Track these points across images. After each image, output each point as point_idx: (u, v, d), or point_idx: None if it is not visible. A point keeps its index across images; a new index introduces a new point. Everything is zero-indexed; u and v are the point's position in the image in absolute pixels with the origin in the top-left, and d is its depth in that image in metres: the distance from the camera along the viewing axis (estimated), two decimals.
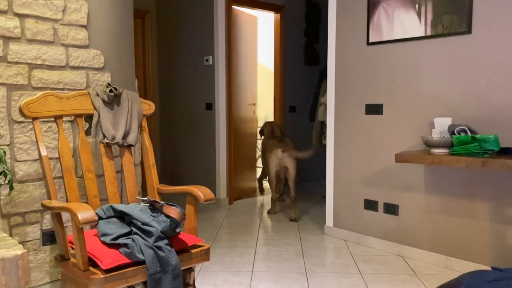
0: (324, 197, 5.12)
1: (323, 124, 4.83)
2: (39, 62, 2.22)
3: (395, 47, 3.13)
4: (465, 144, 2.48)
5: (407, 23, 3.03)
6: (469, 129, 2.65)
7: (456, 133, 2.64)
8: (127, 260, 1.73)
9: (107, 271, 1.69)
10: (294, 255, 3.19)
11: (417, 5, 2.97)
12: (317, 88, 4.93)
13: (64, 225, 1.95)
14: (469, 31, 2.74)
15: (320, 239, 3.55)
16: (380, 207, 3.29)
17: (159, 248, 1.77)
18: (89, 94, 2.16)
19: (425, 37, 2.95)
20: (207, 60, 4.74)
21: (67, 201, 2.01)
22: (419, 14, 2.96)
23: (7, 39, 2.12)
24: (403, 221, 3.16)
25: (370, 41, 3.25)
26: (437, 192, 2.97)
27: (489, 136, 2.42)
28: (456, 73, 2.84)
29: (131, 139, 2.24)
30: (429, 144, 2.64)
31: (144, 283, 1.80)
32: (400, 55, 3.10)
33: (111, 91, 2.19)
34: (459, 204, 2.86)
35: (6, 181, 2.11)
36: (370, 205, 3.35)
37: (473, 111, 2.77)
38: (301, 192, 5.44)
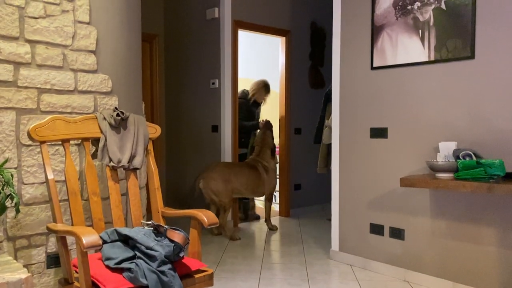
0: (330, 220, 5.08)
1: (328, 147, 4.83)
2: (48, 86, 2.26)
3: (399, 72, 3.15)
4: (470, 168, 2.48)
5: (410, 48, 3.06)
6: (474, 153, 2.64)
7: (461, 158, 2.63)
8: (130, 285, 1.73)
9: None
10: (299, 280, 3.15)
11: (420, 31, 3.01)
12: (322, 110, 4.96)
13: (69, 248, 1.95)
14: (472, 56, 2.77)
15: (326, 264, 3.52)
16: (386, 231, 3.27)
17: (162, 272, 1.77)
18: (96, 118, 2.19)
19: (429, 62, 2.97)
20: (213, 83, 4.80)
21: (72, 224, 2.02)
22: (422, 39, 3.00)
23: (18, 64, 2.17)
24: (409, 246, 3.13)
25: (374, 65, 3.29)
26: (443, 217, 2.94)
27: (495, 161, 2.41)
28: (460, 98, 2.85)
29: (136, 162, 2.26)
30: (434, 169, 2.64)
31: None
32: (404, 80, 3.13)
33: (118, 115, 2.23)
34: (466, 229, 2.84)
35: (13, 204, 2.12)
36: (376, 229, 3.33)
37: (478, 135, 2.77)
38: (306, 216, 5.41)
